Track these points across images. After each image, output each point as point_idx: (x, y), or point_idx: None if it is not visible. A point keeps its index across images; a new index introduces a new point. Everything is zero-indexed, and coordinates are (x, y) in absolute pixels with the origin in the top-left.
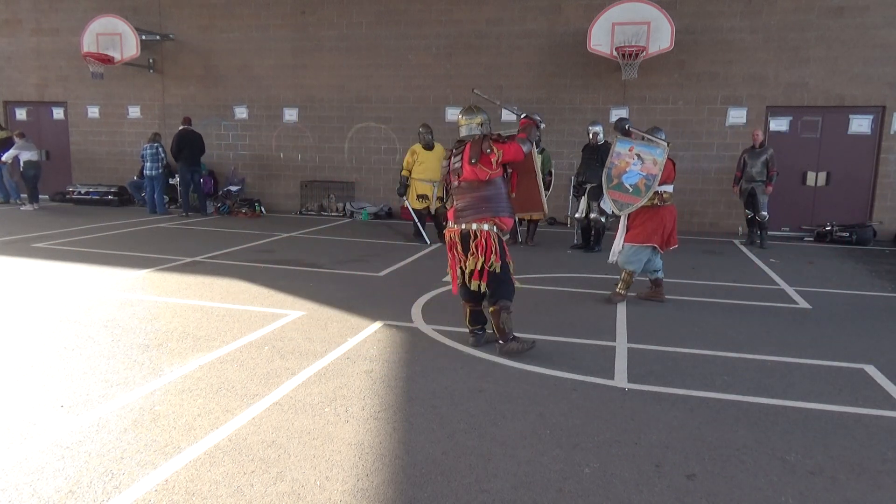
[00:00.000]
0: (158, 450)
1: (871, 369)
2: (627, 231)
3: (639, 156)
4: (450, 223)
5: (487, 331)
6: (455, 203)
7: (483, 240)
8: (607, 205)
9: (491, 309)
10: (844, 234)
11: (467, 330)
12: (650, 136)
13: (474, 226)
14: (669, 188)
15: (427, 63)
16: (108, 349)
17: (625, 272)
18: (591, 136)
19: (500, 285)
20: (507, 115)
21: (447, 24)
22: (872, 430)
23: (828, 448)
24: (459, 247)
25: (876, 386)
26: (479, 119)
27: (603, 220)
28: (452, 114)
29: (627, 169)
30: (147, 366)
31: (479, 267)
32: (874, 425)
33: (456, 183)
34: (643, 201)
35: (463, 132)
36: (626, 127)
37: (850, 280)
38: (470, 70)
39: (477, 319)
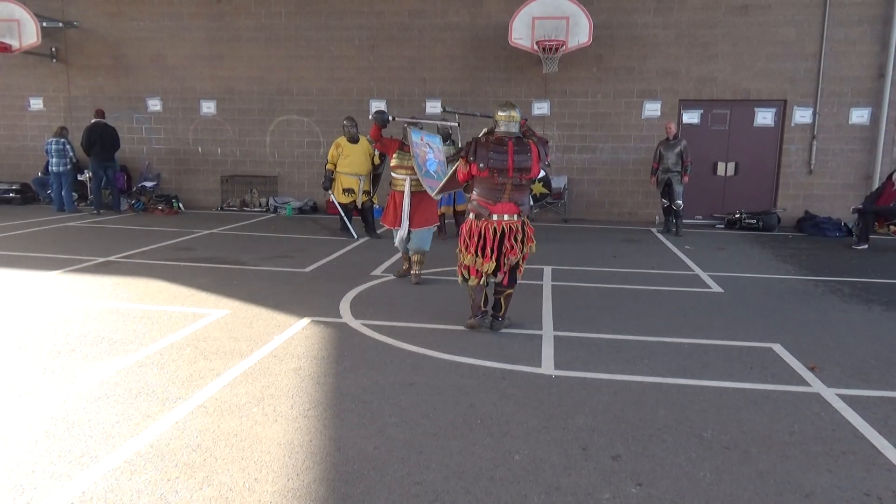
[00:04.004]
0: (74, 460)
1: (778, 348)
2: (412, 218)
3: (429, 145)
4: (503, 216)
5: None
6: (510, 197)
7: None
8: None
9: (509, 291)
10: (752, 221)
11: (475, 316)
12: (413, 122)
13: (525, 218)
14: None
15: (350, 55)
16: (14, 357)
17: (420, 255)
18: None
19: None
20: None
21: (369, 16)
22: (780, 405)
23: (741, 423)
24: (514, 237)
25: (783, 363)
26: (518, 115)
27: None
28: (377, 106)
29: (427, 157)
30: (59, 373)
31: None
32: (781, 400)
33: (518, 179)
34: (441, 184)
35: (503, 128)
36: (386, 118)
37: (757, 264)
38: (393, 62)
39: (486, 302)
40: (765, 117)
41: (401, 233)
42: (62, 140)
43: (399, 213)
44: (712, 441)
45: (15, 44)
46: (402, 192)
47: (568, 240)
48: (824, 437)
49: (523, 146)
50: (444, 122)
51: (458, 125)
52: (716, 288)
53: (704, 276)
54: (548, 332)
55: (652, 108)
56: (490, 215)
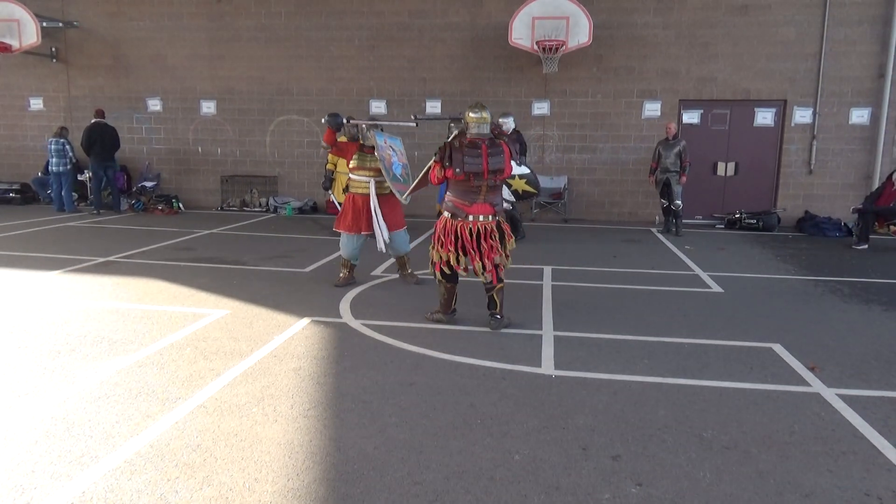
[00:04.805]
0: (74, 460)
1: (778, 348)
2: (386, 220)
3: (392, 147)
4: (478, 217)
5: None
6: (485, 198)
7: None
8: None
9: (500, 286)
10: (752, 220)
11: (445, 314)
12: (373, 124)
13: (499, 218)
14: None
15: (350, 55)
16: (14, 357)
17: (405, 256)
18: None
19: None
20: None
21: (369, 16)
22: (780, 405)
23: (741, 424)
24: (492, 236)
25: (783, 363)
26: (489, 116)
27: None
28: (376, 106)
29: (392, 160)
30: (59, 373)
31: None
32: (782, 400)
33: (493, 181)
34: (411, 187)
35: (475, 129)
36: (340, 122)
37: (757, 264)
38: (393, 62)
39: (490, 305)
40: (765, 117)
41: (382, 238)
42: (62, 140)
43: (362, 218)
44: (712, 441)
45: (15, 44)
46: (365, 194)
47: (568, 240)
48: (824, 437)
49: (496, 147)
50: (402, 123)
51: (416, 125)
52: (716, 288)
53: (704, 276)
54: (548, 332)
55: (652, 108)
56: (466, 216)
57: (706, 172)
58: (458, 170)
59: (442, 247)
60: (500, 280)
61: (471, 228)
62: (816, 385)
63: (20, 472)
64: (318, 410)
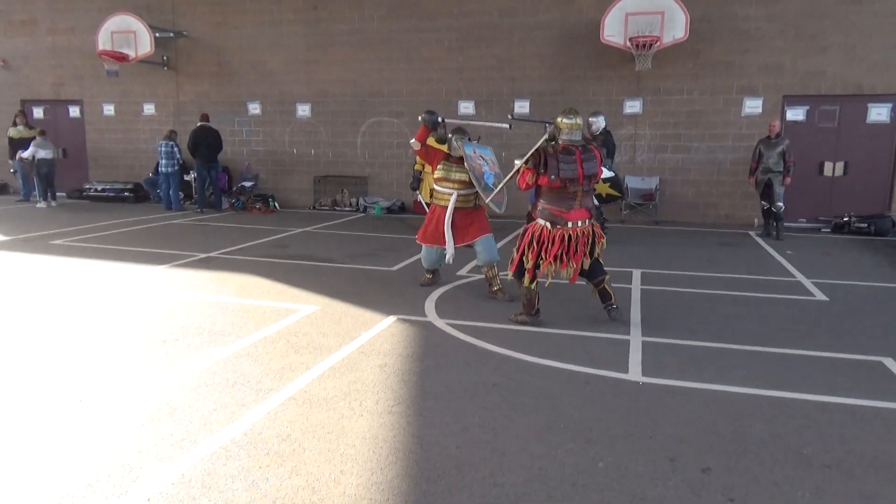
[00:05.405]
0: (175, 443)
1: (889, 362)
2: (468, 230)
3: (482, 157)
4: (577, 223)
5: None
6: (581, 203)
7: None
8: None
9: (607, 278)
10: (862, 224)
11: (529, 315)
12: (466, 123)
13: (593, 221)
14: None
15: (439, 56)
16: (126, 344)
17: (494, 269)
18: (590, 127)
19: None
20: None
21: (459, 17)
22: (891, 424)
23: (845, 442)
24: (588, 240)
25: (894, 378)
26: (582, 122)
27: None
28: (465, 107)
29: (483, 170)
30: (164, 361)
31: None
32: (893, 419)
33: (587, 186)
34: (494, 191)
35: (567, 136)
36: (436, 119)
37: (868, 272)
38: (482, 63)
39: (604, 297)
40: (879, 113)
41: (448, 253)
42: (171, 143)
43: (440, 232)
44: (812, 459)
45: (131, 53)
46: (446, 207)
47: (659, 242)
48: None
49: (589, 153)
50: (496, 125)
51: (510, 128)
52: (820, 296)
53: (807, 282)
54: (636, 337)
55: (752, 105)
56: (566, 223)
57: (812, 173)
58: (553, 176)
59: (533, 253)
60: (602, 273)
61: (570, 234)
62: None
63: (129, 452)
64: (403, 407)
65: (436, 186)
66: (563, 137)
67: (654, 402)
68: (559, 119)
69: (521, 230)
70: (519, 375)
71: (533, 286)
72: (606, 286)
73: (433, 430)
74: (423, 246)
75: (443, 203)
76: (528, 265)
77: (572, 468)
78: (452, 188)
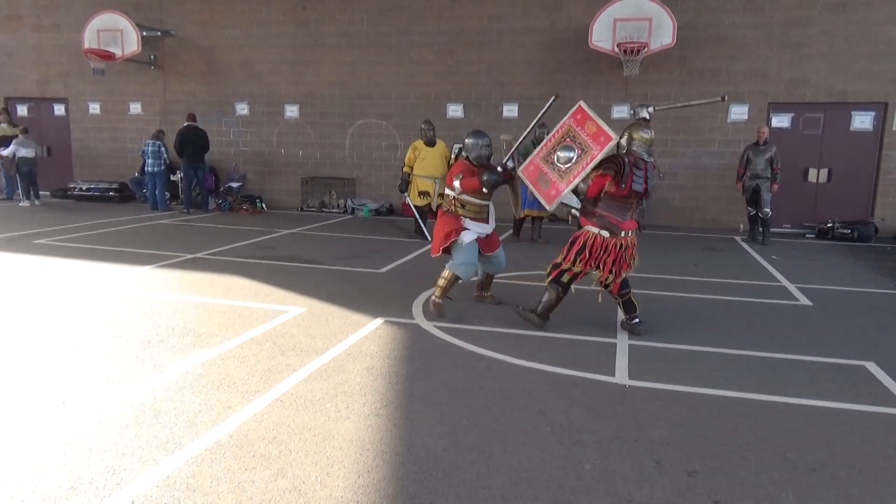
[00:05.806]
0: (160, 446)
1: (871, 366)
2: (490, 242)
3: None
4: (629, 232)
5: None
6: (633, 214)
7: None
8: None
9: (631, 291)
10: (846, 230)
11: (543, 319)
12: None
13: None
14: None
15: (429, 59)
16: (110, 345)
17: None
18: None
19: None
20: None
21: (449, 21)
22: (873, 427)
23: (829, 445)
24: (634, 249)
25: (877, 383)
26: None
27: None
28: (454, 110)
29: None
30: (148, 362)
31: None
32: (875, 422)
33: (643, 199)
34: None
35: (639, 149)
36: (497, 181)
37: (851, 277)
38: (471, 67)
39: (630, 308)
40: (863, 121)
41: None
42: (158, 142)
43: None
44: (797, 462)
45: (118, 52)
46: (475, 219)
47: (645, 247)
48: None
49: (650, 168)
50: (708, 102)
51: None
52: (804, 301)
53: (792, 287)
54: (622, 341)
55: (738, 112)
56: (620, 232)
57: (796, 179)
58: (623, 185)
59: (583, 261)
60: (629, 287)
61: (621, 243)
62: None
63: (112, 455)
64: (390, 409)
65: (466, 197)
66: (635, 149)
67: (640, 404)
68: (640, 133)
69: (570, 239)
70: (506, 378)
71: (559, 290)
72: (632, 299)
73: (420, 433)
74: (461, 254)
75: (473, 216)
76: (576, 269)
77: (559, 470)
78: (486, 199)
